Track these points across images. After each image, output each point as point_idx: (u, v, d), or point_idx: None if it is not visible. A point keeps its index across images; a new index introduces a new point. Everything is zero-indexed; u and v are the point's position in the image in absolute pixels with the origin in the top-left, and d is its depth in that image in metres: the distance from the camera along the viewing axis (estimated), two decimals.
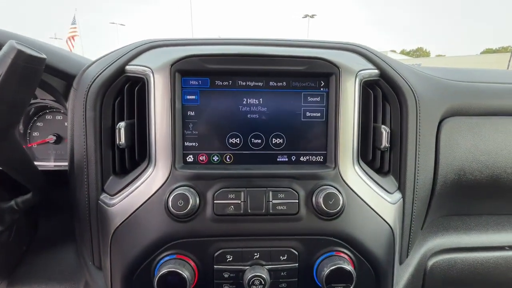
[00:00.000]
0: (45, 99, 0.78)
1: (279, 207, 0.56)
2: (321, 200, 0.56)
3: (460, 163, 0.69)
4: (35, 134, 0.83)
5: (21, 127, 0.81)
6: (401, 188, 0.63)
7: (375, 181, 0.63)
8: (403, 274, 0.69)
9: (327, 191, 0.57)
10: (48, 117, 0.83)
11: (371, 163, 0.66)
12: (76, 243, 0.70)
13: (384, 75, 0.64)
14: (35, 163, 0.80)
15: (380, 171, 0.65)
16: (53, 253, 0.74)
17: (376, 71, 0.64)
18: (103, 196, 0.60)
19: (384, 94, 0.66)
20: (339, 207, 0.56)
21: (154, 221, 0.57)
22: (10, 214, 0.63)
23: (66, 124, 0.80)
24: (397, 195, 0.63)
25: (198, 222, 0.57)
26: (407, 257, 0.68)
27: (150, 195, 0.56)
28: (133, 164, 0.61)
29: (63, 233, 0.77)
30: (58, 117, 0.83)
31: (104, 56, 0.66)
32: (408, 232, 0.66)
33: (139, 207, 0.56)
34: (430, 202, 0.70)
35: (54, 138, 0.82)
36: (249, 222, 0.58)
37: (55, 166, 0.79)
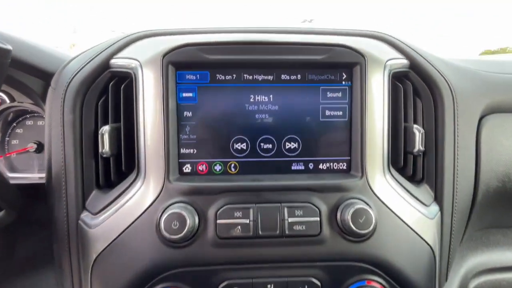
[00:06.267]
0: (23, 102, 0.69)
1: (297, 227, 0.47)
2: (348, 218, 0.46)
3: (504, 168, 0.59)
4: (14, 142, 0.74)
5: None
6: (438, 199, 0.55)
7: (409, 192, 0.53)
8: None
9: (356, 207, 0.46)
10: (29, 122, 0.73)
11: (401, 170, 0.56)
12: (55, 269, 0.60)
13: (414, 66, 0.55)
14: (16, 175, 0.71)
15: (412, 179, 0.56)
16: (32, 277, 0.64)
17: (406, 61, 0.54)
18: (84, 215, 0.50)
19: (415, 88, 0.56)
20: (371, 226, 0.46)
21: (144, 246, 0.47)
22: None
23: None
24: (434, 208, 0.54)
25: (197, 247, 0.47)
26: (446, 280, 0.57)
27: (138, 214, 0.47)
28: (119, 176, 0.52)
29: (44, 253, 0.67)
30: (40, 123, 0.73)
31: (86, 50, 0.56)
32: (447, 252, 0.57)
33: (125, 229, 0.47)
34: (471, 213, 0.60)
35: (35, 146, 0.72)
36: (260, 246, 0.48)
37: (39, 178, 0.69)
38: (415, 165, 0.57)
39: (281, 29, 0.55)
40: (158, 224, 0.46)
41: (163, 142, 0.48)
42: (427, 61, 0.56)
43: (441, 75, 0.56)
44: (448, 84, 0.56)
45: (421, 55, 0.56)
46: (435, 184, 0.55)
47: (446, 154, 0.55)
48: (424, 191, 0.56)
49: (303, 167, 0.52)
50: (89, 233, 0.50)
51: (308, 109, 0.51)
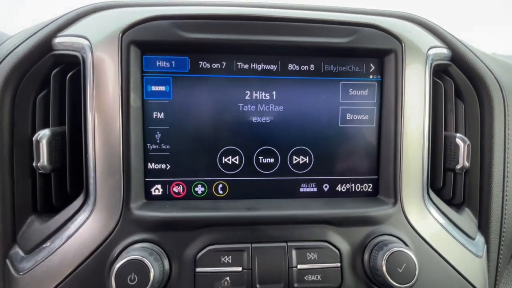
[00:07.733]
0: None
1: (310, 277, 0.36)
2: (382, 265, 0.33)
3: None
4: None
5: None
6: (482, 226, 0.45)
7: (452, 222, 0.42)
8: None
9: (392, 249, 0.34)
10: None
11: (438, 191, 0.45)
12: None
13: (457, 58, 0.44)
14: None
15: (450, 202, 0.46)
16: None
17: (447, 51, 0.42)
18: (14, 252, 0.38)
19: (456, 86, 0.44)
20: (414, 278, 0.33)
21: None
22: None
23: None
24: (480, 240, 0.44)
25: None
26: None
27: (82, 259, 0.35)
28: (64, 199, 0.39)
29: None
30: None
31: (27, 28, 0.42)
32: None
33: (63, 280, 0.34)
34: None
35: None
36: None
37: None
38: (455, 185, 0.45)
39: (288, 4, 0.42)
40: (109, 276, 0.32)
41: (121, 153, 0.35)
42: (472, 52, 0.44)
43: (489, 70, 0.44)
44: (498, 82, 0.44)
45: (465, 45, 0.44)
46: (480, 208, 0.45)
47: (495, 171, 0.44)
48: (466, 218, 0.45)
49: (315, 189, 0.40)
50: (16, 282, 0.35)
51: (323, 111, 0.40)
